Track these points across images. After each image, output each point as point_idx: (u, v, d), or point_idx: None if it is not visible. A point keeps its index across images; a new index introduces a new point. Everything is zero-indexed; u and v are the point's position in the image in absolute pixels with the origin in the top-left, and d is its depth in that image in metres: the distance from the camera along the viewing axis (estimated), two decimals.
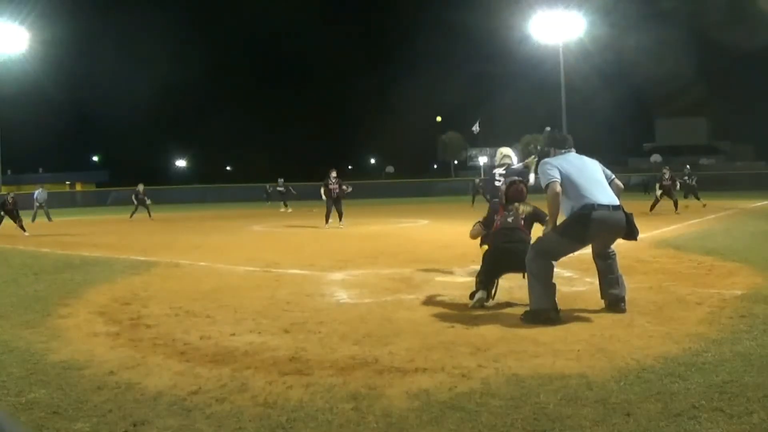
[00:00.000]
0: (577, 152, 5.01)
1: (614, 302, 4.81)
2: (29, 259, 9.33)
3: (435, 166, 78.21)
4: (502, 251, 5.24)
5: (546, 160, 4.91)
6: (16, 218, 15.34)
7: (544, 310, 4.52)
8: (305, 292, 5.98)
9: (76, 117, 69.58)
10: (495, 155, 7.13)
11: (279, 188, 27.39)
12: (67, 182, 60.06)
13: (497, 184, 6.44)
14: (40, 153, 66.07)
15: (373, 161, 79.92)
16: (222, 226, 17.05)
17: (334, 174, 15.18)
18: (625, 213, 4.70)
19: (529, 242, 5.15)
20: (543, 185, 4.77)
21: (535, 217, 5.48)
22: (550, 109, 47.85)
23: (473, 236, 5.96)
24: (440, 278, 6.56)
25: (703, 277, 6.18)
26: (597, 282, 6.03)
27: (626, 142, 72.82)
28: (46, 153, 67.90)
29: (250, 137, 72.39)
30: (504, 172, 6.64)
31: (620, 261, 7.37)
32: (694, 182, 21.03)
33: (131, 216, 21.99)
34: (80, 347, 4.07)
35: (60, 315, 5.09)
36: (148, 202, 22.79)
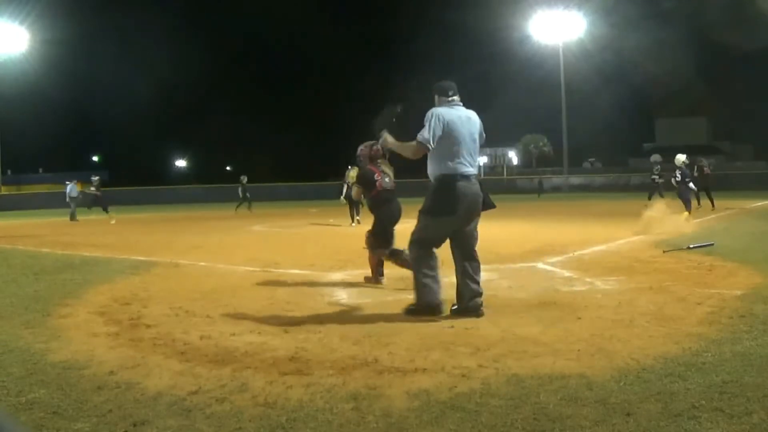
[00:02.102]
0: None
1: (469, 310, 4.67)
2: (29, 259, 9.33)
3: None
4: (393, 216, 6.37)
5: (436, 111, 4.69)
6: None
7: (428, 304, 4.62)
8: (305, 292, 5.98)
9: (76, 117, 69.55)
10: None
11: (90, 189, 21.52)
12: (67, 182, 60.11)
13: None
14: (40, 153, 66.14)
15: None
16: (222, 226, 17.04)
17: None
18: (480, 184, 4.80)
19: None
20: (420, 137, 4.65)
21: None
22: (550, 109, 47.89)
23: (356, 197, 6.84)
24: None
25: (703, 277, 6.17)
26: (596, 282, 6.06)
27: (626, 142, 72.92)
28: (46, 153, 67.96)
29: (250, 137, 72.31)
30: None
31: (620, 261, 7.43)
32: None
33: (236, 209, 23.51)
34: (80, 347, 4.07)
35: (60, 315, 5.09)
36: (247, 194, 24.13)
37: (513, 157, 71.94)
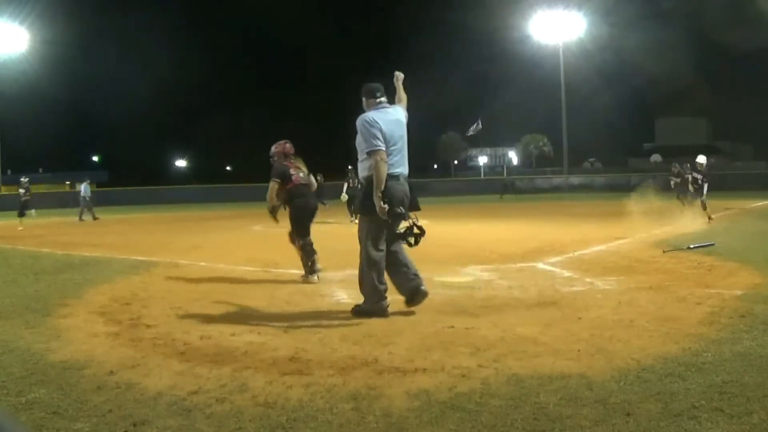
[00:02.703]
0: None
1: (415, 291, 4.81)
2: (29, 259, 9.33)
3: (435, 166, 78.29)
4: (308, 208, 6.79)
5: (367, 118, 4.75)
6: None
7: (379, 308, 4.72)
8: (305, 292, 5.98)
9: (76, 117, 69.75)
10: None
11: (21, 189, 19.35)
12: (67, 182, 60.12)
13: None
14: (40, 153, 66.22)
15: None
16: (222, 226, 17.04)
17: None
18: (409, 184, 4.89)
19: None
20: (366, 149, 4.71)
21: None
22: (550, 109, 47.89)
23: (271, 197, 6.72)
24: (440, 278, 6.55)
25: (703, 277, 6.17)
26: (597, 282, 6.06)
27: (626, 142, 73.02)
28: (46, 153, 68.08)
29: (250, 137, 72.35)
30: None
31: (619, 261, 7.43)
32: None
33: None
34: (80, 347, 4.07)
35: (60, 315, 5.09)
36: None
37: (513, 157, 71.89)
